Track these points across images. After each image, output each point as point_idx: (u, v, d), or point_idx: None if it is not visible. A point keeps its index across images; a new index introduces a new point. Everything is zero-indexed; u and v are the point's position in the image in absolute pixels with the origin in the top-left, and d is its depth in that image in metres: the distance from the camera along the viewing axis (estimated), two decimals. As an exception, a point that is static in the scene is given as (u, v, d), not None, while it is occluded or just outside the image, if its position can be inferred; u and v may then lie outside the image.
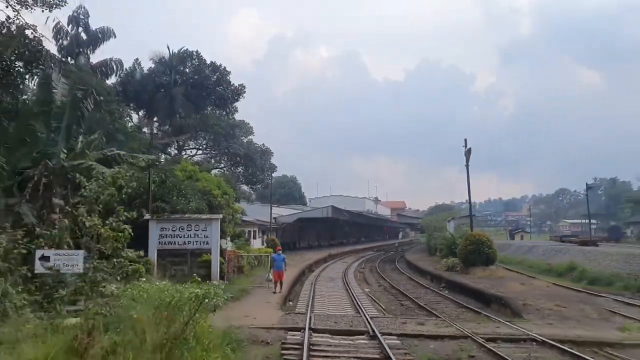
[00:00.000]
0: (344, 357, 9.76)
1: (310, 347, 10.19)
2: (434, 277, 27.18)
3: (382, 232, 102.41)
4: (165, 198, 18.59)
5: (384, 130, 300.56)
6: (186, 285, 7.22)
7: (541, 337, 11.62)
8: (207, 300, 6.40)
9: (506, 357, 9.85)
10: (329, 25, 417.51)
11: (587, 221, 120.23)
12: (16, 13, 16.18)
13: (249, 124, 39.35)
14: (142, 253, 12.71)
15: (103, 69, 35.96)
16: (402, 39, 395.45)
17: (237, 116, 38.48)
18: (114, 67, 36.11)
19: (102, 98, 21.69)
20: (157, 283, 7.02)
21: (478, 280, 22.59)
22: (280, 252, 20.23)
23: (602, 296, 20.33)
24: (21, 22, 16.50)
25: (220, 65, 36.53)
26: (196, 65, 36.15)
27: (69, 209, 10.38)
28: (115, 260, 9.50)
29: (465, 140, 27.54)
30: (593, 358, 9.99)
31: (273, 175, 45.97)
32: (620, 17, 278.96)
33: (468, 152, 27.14)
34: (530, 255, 45.49)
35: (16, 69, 18.56)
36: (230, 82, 36.96)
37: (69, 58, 35.11)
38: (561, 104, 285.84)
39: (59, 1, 16.33)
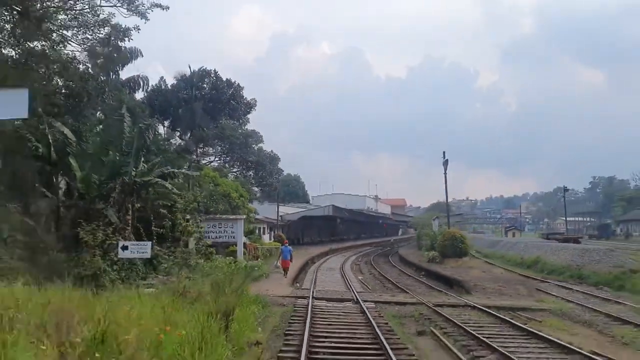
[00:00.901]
0: (334, 312, 14.77)
1: (313, 307, 15.17)
2: (417, 267, 32.26)
3: (382, 229, 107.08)
4: (200, 202, 23.53)
5: (386, 127, 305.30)
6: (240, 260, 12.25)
7: (474, 304, 16.61)
8: (257, 269, 11.35)
9: (443, 313, 14.83)
10: (330, 23, 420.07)
11: (582, 219, 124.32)
12: (93, 66, 21.16)
13: (259, 133, 44.48)
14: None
15: (131, 84, 40.96)
16: (404, 37, 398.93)
17: (249, 126, 43.69)
18: (141, 83, 41.09)
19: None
20: (225, 258, 11.99)
21: (450, 269, 27.65)
22: (287, 245, 25.30)
23: (547, 282, 25.29)
24: (93, 70, 21.50)
25: (235, 82, 41.64)
26: (213, 82, 41.16)
27: (168, 214, 15.44)
28: (197, 245, 14.52)
29: (444, 152, 32.52)
30: (503, 315, 14.90)
31: (279, 177, 50.99)
32: (621, 17, 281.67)
33: (445, 163, 32.10)
34: (512, 250, 50.25)
35: (83, 99, 23.65)
36: (243, 96, 42.15)
37: (101, 75, 40.13)
38: (562, 103, 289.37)
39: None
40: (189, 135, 39.48)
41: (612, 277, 23.36)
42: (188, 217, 16.93)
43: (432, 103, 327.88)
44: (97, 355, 6.23)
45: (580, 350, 10.55)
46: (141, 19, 21.55)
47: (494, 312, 15.23)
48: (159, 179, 17.41)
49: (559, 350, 10.87)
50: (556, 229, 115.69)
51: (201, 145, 39.32)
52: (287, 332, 11.66)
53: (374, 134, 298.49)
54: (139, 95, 40.83)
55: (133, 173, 18.28)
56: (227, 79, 41.66)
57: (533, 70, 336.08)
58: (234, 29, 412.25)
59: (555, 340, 11.50)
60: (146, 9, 21.10)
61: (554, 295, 19.76)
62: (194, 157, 38.04)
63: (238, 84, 41.88)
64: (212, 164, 40.49)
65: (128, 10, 21.07)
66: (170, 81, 41.77)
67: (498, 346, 10.79)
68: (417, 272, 30.21)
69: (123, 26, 22.51)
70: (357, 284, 23.04)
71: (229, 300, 9.88)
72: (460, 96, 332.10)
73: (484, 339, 11.51)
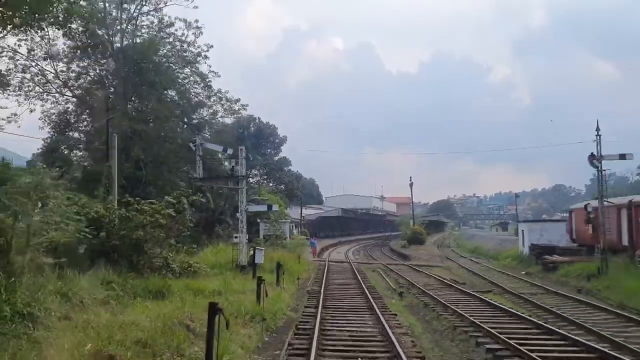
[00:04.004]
0: (338, 266, 32.63)
1: (329, 264, 33.03)
2: (394, 251, 50.04)
3: (385, 226, 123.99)
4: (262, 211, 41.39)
5: (396, 122, 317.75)
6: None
7: (407, 264, 34.36)
8: (304, 242, 29.19)
9: (388, 267, 32.52)
10: (341, 17, 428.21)
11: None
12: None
13: (289, 159, 62.46)
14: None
15: (199, 126, 59.01)
16: (414, 31, 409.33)
17: (282, 154, 61.79)
18: (205, 125, 59.11)
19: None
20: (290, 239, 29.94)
21: (410, 251, 45.39)
22: (312, 238, 43.19)
23: (465, 258, 42.76)
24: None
25: (272, 124, 59.85)
26: (257, 124, 58.99)
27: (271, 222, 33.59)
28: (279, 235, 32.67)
29: (410, 177, 50.15)
30: (415, 267, 32.47)
31: (296, 181, 68.74)
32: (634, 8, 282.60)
33: (411, 185, 49.66)
34: (476, 241, 67.72)
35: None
36: (278, 134, 60.35)
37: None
38: (575, 96, 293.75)
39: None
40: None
41: (497, 253, 40.86)
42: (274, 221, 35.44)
43: (443, 97, 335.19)
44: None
45: (431, 274, 28.09)
46: (235, 118, 39.57)
47: (412, 267, 32.90)
48: (251, 204, 35.33)
49: (425, 275, 28.40)
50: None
51: (249, 170, 57.39)
52: (318, 269, 29.61)
53: (385, 129, 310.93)
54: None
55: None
56: (266, 121, 59.99)
57: (546, 62, 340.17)
58: (246, 22, 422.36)
59: (427, 273, 29.10)
60: (240, 110, 39.14)
61: (454, 262, 37.38)
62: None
63: (274, 125, 60.14)
64: (256, 183, 58.33)
65: (231, 115, 38.90)
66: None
67: (401, 274, 28.41)
68: (392, 253, 48.00)
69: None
70: (352, 258, 40.90)
71: (299, 252, 27.74)
72: (471, 90, 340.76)
73: (398, 272, 29.18)
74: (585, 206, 24.86)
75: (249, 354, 10.20)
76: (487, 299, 17.61)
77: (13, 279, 10.36)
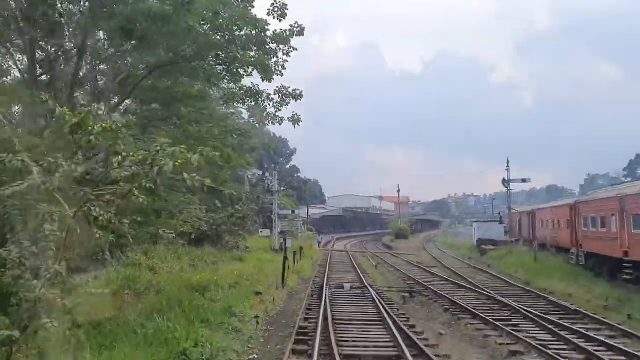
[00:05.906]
0: (339, 255, 44.18)
1: (332, 253, 44.54)
2: (384, 244, 61.67)
3: (382, 224, 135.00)
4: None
5: (398, 121, 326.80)
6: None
7: (389, 252, 45.92)
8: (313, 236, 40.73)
9: (377, 256, 44.02)
10: (344, 15, 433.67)
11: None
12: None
13: (298, 167, 74.11)
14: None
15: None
16: (418, 30, 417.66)
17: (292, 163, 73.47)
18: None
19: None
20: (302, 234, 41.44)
21: (396, 244, 56.88)
22: (318, 234, 54.80)
23: (439, 250, 54.23)
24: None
25: (284, 138, 71.59)
26: (270, 139, 70.73)
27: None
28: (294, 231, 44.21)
29: (398, 185, 61.48)
30: (394, 255, 44.00)
31: (304, 185, 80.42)
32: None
33: (399, 191, 60.99)
34: (460, 238, 78.89)
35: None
36: (289, 146, 72.07)
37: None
38: (581, 97, 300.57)
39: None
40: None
41: (464, 246, 52.30)
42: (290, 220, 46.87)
43: (446, 96, 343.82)
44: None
45: (403, 258, 39.54)
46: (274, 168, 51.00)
47: (393, 254, 44.38)
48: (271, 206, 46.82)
49: (399, 259, 39.83)
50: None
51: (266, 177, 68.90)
52: (324, 254, 41.15)
53: (387, 127, 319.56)
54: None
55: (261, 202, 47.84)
56: (280, 135, 71.78)
57: (551, 63, 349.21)
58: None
59: (401, 258, 40.57)
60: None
61: (427, 252, 48.87)
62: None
63: (285, 138, 71.85)
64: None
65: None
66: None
67: (382, 258, 39.85)
68: (382, 246, 59.61)
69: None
70: (350, 249, 52.50)
71: (310, 242, 39.15)
72: (475, 90, 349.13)
73: (381, 257, 40.67)
74: (499, 212, 36.31)
75: (296, 285, 21.76)
76: (428, 270, 29.05)
77: (180, 250, 22.00)
